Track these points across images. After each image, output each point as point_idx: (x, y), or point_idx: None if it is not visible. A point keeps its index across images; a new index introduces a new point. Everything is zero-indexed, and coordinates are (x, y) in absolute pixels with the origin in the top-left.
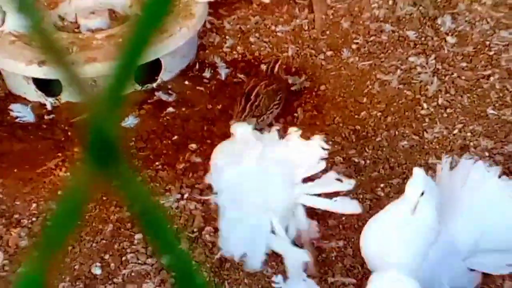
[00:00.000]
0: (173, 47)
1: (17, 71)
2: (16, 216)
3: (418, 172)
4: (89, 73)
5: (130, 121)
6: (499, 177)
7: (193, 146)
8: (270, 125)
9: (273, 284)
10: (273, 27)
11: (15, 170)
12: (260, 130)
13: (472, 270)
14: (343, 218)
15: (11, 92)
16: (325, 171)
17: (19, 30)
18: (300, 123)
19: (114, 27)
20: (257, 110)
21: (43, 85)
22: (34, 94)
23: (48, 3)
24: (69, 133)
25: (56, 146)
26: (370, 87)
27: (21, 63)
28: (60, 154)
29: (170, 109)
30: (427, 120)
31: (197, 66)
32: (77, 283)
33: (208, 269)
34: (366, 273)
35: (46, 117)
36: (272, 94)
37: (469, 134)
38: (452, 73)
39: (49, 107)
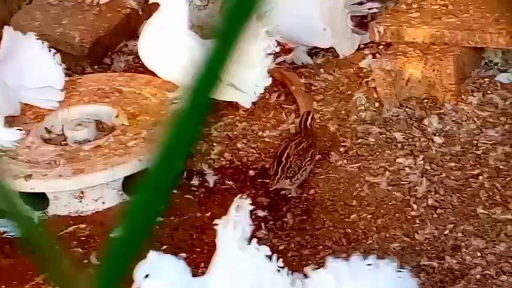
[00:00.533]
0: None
1: None
2: None
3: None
4: (76, 185)
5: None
6: None
7: (183, 255)
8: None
9: None
10: (260, 133)
11: (3, 286)
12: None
13: None
14: None
15: None
16: None
17: (5, 144)
18: (290, 228)
19: (101, 138)
20: (289, 171)
21: (29, 199)
22: None
23: (34, 116)
24: (56, 247)
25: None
26: (359, 189)
27: (7, 178)
28: None
29: (159, 218)
30: (417, 221)
31: (185, 174)
32: None
33: None
34: None
35: None
36: (302, 153)
37: (460, 234)
38: (441, 173)
39: (36, 221)
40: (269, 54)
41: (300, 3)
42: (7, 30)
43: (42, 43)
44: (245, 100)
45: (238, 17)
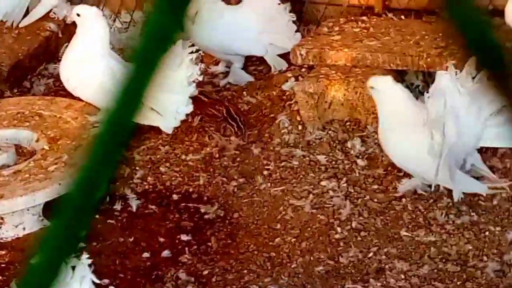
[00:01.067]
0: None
1: None
2: None
3: None
4: None
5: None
6: None
7: (106, 281)
8: None
9: None
10: (183, 156)
11: None
12: None
13: None
14: None
15: None
16: None
17: None
18: (214, 253)
19: (21, 163)
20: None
21: None
22: None
23: None
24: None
25: None
26: (283, 213)
27: None
28: None
29: (81, 244)
30: (341, 244)
31: (107, 199)
32: None
33: None
34: None
35: None
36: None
37: (384, 257)
38: (364, 196)
39: None
40: (192, 82)
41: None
42: None
43: None
44: (167, 125)
45: (158, 41)
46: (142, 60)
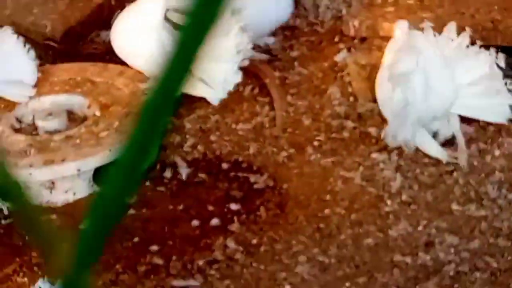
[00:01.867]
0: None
1: None
2: None
3: None
4: (47, 175)
5: None
6: None
7: (154, 248)
8: None
9: None
10: (233, 125)
11: None
12: None
13: None
14: None
15: None
16: None
17: None
18: (263, 222)
19: (72, 129)
20: None
21: None
22: None
23: (4, 105)
24: (26, 238)
25: (13, 252)
26: (333, 184)
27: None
28: (18, 259)
29: (130, 211)
30: (391, 217)
31: (157, 167)
32: None
33: None
34: None
35: (3, 221)
36: None
37: (434, 230)
38: (415, 169)
39: (5, 211)
40: (241, 50)
41: None
42: None
43: (18, 37)
44: (213, 97)
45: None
46: (193, 24)
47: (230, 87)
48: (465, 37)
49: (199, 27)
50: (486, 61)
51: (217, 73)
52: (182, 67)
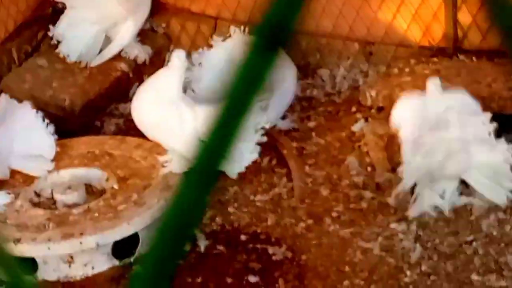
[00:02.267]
0: (150, 220)
1: None
2: None
3: None
4: (66, 249)
5: None
6: None
7: None
8: None
9: None
10: (252, 197)
11: None
12: None
13: None
14: None
15: None
16: None
17: None
18: None
19: (91, 202)
20: None
21: (18, 263)
22: None
23: (23, 179)
24: None
25: None
26: (352, 255)
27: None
28: None
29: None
30: (411, 287)
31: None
32: None
33: None
34: None
35: None
36: None
37: None
38: (434, 239)
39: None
40: (259, 129)
41: None
42: (4, 97)
43: (37, 112)
44: (232, 171)
45: (250, 85)
46: (234, 103)
47: (248, 163)
48: (492, 126)
49: (236, 110)
50: (502, 152)
51: (235, 150)
52: (223, 142)
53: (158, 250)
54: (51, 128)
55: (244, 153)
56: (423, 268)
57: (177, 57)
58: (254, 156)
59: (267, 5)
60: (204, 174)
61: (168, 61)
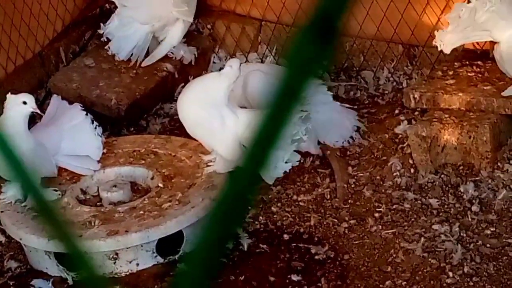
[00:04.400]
0: (195, 219)
1: (39, 246)
2: None
3: None
4: (111, 246)
5: None
6: None
7: None
8: None
9: None
10: (295, 197)
11: None
12: None
13: None
14: None
15: (33, 267)
16: None
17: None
18: None
19: (136, 200)
20: None
21: (64, 259)
22: (55, 269)
23: (70, 177)
24: None
25: None
26: (394, 255)
27: (43, 238)
28: None
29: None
30: None
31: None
32: None
33: None
34: None
35: None
36: None
37: None
38: (477, 241)
39: (70, 281)
40: (296, 140)
41: None
42: (55, 98)
43: (86, 114)
44: (269, 176)
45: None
46: (278, 106)
47: (283, 171)
48: None
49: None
50: None
51: (272, 158)
52: (266, 146)
53: (204, 249)
54: (100, 130)
55: (279, 162)
56: (465, 269)
57: (231, 65)
58: (289, 166)
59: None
60: (247, 175)
61: (213, 62)
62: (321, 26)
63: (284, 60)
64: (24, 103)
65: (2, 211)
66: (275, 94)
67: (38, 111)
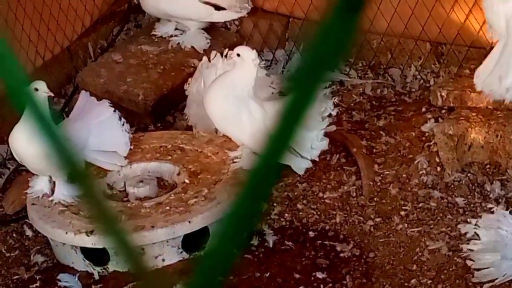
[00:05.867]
0: (221, 215)
1: (66, 241)
2: None
3: None
4: (137, 241)
5: None
6: None
7: None
8: None
9: None
10: (320, 194)
11: None
12: None
13: None
14: None
15: (59, 262)
16: None
17: (68, 199)
18: None
19: (162, 195)
20: None
21: (91, 254)
22: (81, 264)
23: (96, 172)
24: None
25: None
26: (419, 254)
27: (70, 233)
28: None
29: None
30: None
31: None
32: None
33: None
34: None
35: (93, 286)
36: None
37: None
38: None
39: (96, 276)
40: (326, 117)
41: None
42: (84, 94)
43: (114, 111)
44: (299, 166)
45: (313, 76)
46: (294, 100)
47: (317, 153)
48: None
49: (300, 102)
50: None
51: (304, 141)
52: (285, 137)
53: (219, 243)
54: (127, 126)
55: (313, 143)
56: None
57: (239, 53)
58: (324, 144)
59: None
60: (268, 166)
61: (231, 57)
62: None
63: (311, 39)
64: (36, 90)
65: (32, 204)
66: (301, 71)
67: (52, 94)
